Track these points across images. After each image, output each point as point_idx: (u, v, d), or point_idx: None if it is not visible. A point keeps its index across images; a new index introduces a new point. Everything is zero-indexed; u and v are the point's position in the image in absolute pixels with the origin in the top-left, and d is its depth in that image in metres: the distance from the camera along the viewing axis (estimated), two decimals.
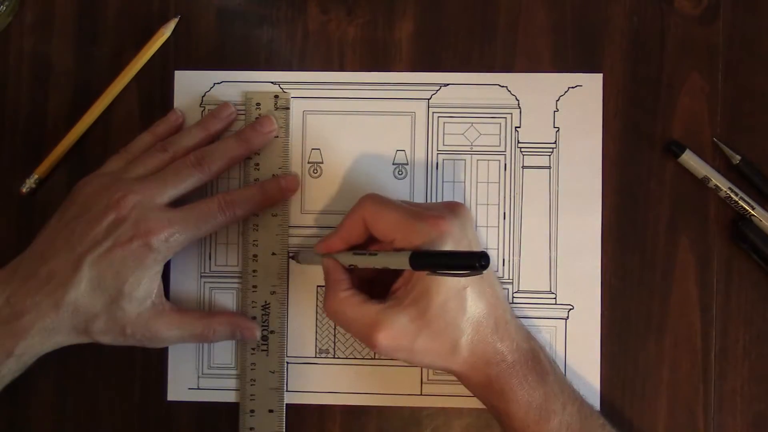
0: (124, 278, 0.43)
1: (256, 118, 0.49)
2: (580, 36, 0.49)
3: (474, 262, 0.36)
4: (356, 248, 0.44)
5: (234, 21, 0.50)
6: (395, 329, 0.41)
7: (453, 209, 0.42)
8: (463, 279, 0.40)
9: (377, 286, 0.44)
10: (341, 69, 0.50)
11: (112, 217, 0.43)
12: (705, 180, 0.48)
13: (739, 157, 0.48)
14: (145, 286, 0.44)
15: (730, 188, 0.48)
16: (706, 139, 0.49)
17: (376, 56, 0.50)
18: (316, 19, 0.50)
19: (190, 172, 0.46)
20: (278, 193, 0.48)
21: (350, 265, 0.44)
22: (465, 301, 0.41)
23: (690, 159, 0.48)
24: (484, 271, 0.37)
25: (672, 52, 0.49)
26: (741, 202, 0.48)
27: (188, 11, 0.50)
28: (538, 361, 0.43)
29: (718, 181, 0.48)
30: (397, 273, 0.42)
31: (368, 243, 0.44)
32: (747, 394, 0.48)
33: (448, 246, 0.40)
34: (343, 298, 0.43)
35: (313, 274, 0.49)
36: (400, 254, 0.39)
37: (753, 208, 0.48)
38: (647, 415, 0.48)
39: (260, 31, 0.50)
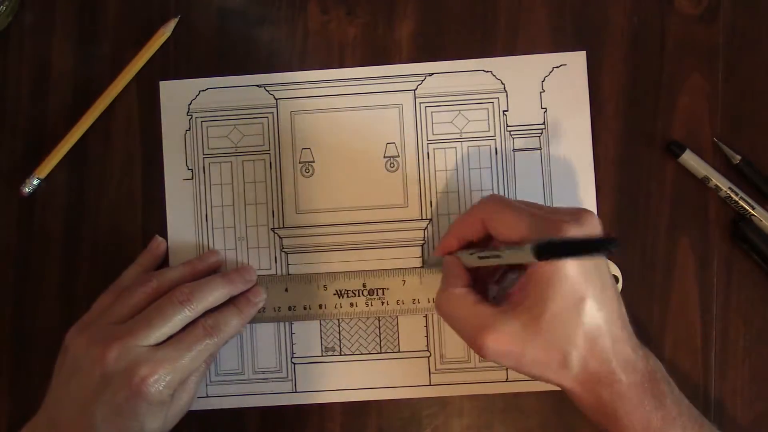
0: (142, 420, 0.42)
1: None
2: (580, 36, 0.49)
3: (604, 246, 0.34)
4: (471, 246, 0.43)
5: (234, 21, 0.50)
6: (506, 334, 0.39)
7: (578, 217, 0.40)
8: (581, 290, 0.39)
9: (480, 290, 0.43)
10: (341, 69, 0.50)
11: (99, 374, 0.42)
12: (705, 180, 0.48)
13: (739, 157, 0.48)
14: (161, 419, 0.43)
15: (730, 188, 0.48)
16: (706, 139, 0.49)
17: (376, 56, 0.50)
18: (316, 19, 0.50)
19: (177, 310, 0.44)
20: (252, 309, 0.47)
21: (475, 265, 0.43)
22: (582, 312, 0.39)
23: (690, 159, 0.48)
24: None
25: (672, 52, 0.49)
26: (741, 202, 0.48)
27: (188, 11, 0.50)
28: (656, 383, 0.40)
29: (718, 181, 0.48)
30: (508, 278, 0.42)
31: (482, 242, 0.43)
32: (747, 394, 0.48)
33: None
34: (457, 294, 0.42)
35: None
36: (523, 249, 0.37)
37: (753, 208, 0.48)
38: None
39: (260, 31, 0.50)
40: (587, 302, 0.39)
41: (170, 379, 0.42)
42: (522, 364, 0.40)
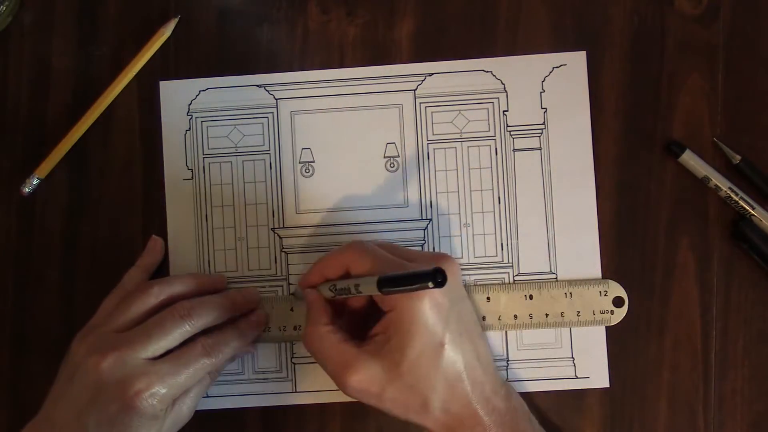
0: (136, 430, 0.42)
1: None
2: (580, 36, 0.49)
3: (432, 277, 0.36)
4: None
5: (234, 21, 0.50)
6: (367, 375, 0.41)
7: (433, 262, 0.41)
8: (439, 335, 0.40)
9: (362, 329, 0.44)
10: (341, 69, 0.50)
11: (93, 382, 0.42)
12: (705, 180, 0.48)
13: (739, 157, 0.48)
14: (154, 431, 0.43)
15: (730, 188, 0.48)
16: (706, 139, 0.49)
17: (376, 56, 0.50)
18: (316, 19, 0.50)
19: (177, 324, 0.44)
20: (254, 330, 0.48)
21: (331, 296, 0.44)
22: (441, 357, 0.41)
23: (690, 159, 0.48)
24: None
25: (672, 52, 0.49)
26: (741, 202, 0.48)
27: (188, 11, 0.50)
28: (517, 421, 0.43)
29: (718, 181, 0.48)
30: (378, 316, 0.43)
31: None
32: (747, 394, 0.48)
33: (426, 301, 0.40)
34: (322, 332, 0.43)
35: None
36: (369, 280, 0.40)
37: (753, 208, 0.48)
38: (647, 415, 0.48)
39: (260, 31, 0.50)
40: (445, 348, 0.41)
41: (164, 395, 0.42)
42: (383, 403, 0.41)
